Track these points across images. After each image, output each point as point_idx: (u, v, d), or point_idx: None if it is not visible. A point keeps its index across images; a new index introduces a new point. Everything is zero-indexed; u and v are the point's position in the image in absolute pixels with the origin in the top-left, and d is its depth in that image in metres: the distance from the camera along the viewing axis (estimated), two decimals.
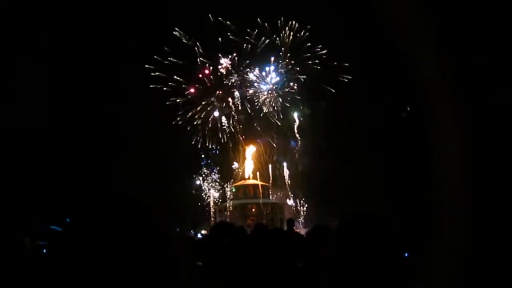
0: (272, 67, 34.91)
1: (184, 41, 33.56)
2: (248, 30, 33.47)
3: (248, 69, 34.83)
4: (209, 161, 35.07)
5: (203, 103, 34.75)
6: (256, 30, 33.42)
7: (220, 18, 32.89)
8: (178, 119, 34.13)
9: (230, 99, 35.10)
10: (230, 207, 33.64)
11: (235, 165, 35.71)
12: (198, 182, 34.95)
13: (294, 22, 33.51)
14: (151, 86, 32.52)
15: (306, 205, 33.91)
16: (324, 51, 33.66)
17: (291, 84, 35.05)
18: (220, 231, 3.16)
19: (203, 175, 35.07)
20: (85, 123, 25.21)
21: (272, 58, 34.72)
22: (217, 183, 35.22)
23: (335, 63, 33.32)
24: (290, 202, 34.61)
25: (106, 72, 26.82)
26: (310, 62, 34.24)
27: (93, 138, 25.09)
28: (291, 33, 33.92)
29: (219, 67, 34.65)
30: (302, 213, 33.96)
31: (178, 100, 34.11)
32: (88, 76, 25.96)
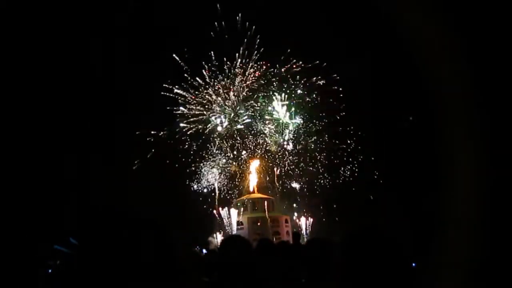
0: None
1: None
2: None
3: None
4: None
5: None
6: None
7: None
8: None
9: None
10: (236, 221, 33.49)
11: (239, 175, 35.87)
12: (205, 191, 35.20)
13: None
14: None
15: (313, 218, 33.79)
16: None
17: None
18: (230, 245, 3.13)
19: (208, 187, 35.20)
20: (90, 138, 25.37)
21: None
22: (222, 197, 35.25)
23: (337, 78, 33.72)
24: (296, 215, 34.47)
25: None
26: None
27: (95, 147, 25.20)
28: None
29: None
30: (309, 226, 33.82)
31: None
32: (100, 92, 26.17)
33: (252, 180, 35.52)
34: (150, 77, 33.06)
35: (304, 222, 34.12)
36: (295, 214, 34.53)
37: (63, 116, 24.36)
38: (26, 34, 21.44)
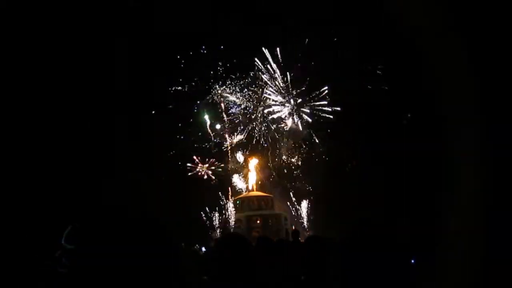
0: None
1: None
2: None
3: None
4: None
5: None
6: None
7: None
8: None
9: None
10: (235, 219, 33.53)
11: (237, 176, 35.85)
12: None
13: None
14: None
15: (312, 216, 33.87)
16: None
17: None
18: (227, 243, 3.14)
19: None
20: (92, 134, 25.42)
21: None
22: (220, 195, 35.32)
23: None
24: (295, 212, 34.55)
25: None
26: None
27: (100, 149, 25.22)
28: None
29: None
30: (308, 223, 33.89)
31: None
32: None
33: (251, 178, 35.56)
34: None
35: (304, 220, 34.20)
36: (294, 211, 34.60)
37: (64, 115, 24.35)
38: (26, 34, 21.39)
